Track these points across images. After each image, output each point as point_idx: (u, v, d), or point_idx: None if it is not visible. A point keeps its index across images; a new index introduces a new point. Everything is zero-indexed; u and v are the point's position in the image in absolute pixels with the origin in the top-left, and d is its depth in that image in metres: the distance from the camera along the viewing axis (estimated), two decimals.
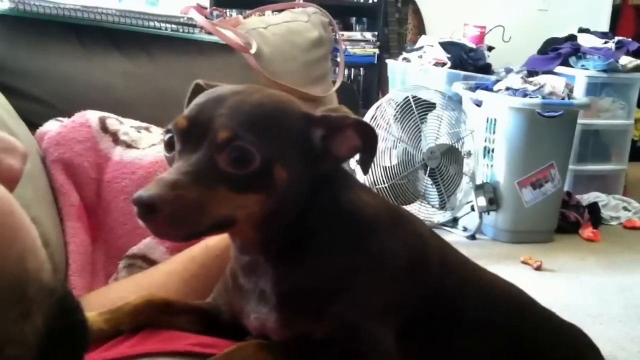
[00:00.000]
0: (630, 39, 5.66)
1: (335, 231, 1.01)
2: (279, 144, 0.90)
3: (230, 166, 0.87)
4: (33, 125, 1.67)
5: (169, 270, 1.40)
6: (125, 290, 1.35)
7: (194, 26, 2.00)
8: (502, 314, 1.19)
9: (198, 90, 1.01)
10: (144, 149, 1.63)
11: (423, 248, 1.10)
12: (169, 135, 0.93)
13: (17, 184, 0.69)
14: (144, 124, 1.73)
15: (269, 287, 1.01)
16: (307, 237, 1.00)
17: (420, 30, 6.29)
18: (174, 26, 1.98)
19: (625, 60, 5.31)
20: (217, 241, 1.34)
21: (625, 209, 5.25)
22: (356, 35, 6.19)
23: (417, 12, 6.34)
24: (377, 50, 6.14)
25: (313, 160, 0.94)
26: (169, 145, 0.93)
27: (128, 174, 1.58)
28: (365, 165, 0.98)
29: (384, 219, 1.06)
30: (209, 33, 2.01)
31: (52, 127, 1.65)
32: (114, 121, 1.67)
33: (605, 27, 6.73)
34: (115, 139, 1.63)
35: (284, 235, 0.99)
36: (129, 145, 1.63)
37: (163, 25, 1.96)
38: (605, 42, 5.48)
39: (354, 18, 6.39)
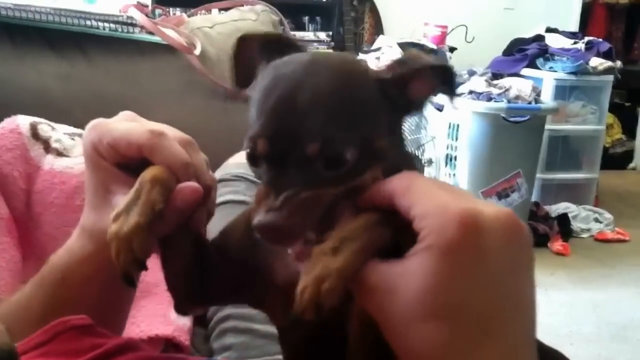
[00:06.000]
0: (601, 39, 5.75)
1: None
2: (366, 123, 0.86)
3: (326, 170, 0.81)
4: None
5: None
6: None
7: (134, 25, 2.01)
8: None
9: (244, 46, 0.93)
10: (76, 157, 1.62)
11: None
12: (249, 150, 0.88)
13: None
14: (79, 131, 1.72)
15: None
16: None
17: (378, 30, 6.34)
18: (112, 25, 1.98)
19: (596, 62, 5.40)
20: None
21: (596, 220, 5.31)
22: (309, 35, 6.23)
23: (374, 11, 6.39)
24: (331, 51, 6.15)
25: (398, 111, 0.95)
26: (253, 160, 0.85)
27: (58, 184, 1.57)
28: (451, 98, 0.99)
29: None
30: (150, 33, 2.01)
31: None
32: (46, 127, 1.66)
33: (574, 26, 6.84)
34: (47, 146, 1.62)
35: None
36: (60, 154, 1.62)
37: (101, 24, 1.96)
38: (575, 43, 5.57)
39: (307, 17, 6.42)
